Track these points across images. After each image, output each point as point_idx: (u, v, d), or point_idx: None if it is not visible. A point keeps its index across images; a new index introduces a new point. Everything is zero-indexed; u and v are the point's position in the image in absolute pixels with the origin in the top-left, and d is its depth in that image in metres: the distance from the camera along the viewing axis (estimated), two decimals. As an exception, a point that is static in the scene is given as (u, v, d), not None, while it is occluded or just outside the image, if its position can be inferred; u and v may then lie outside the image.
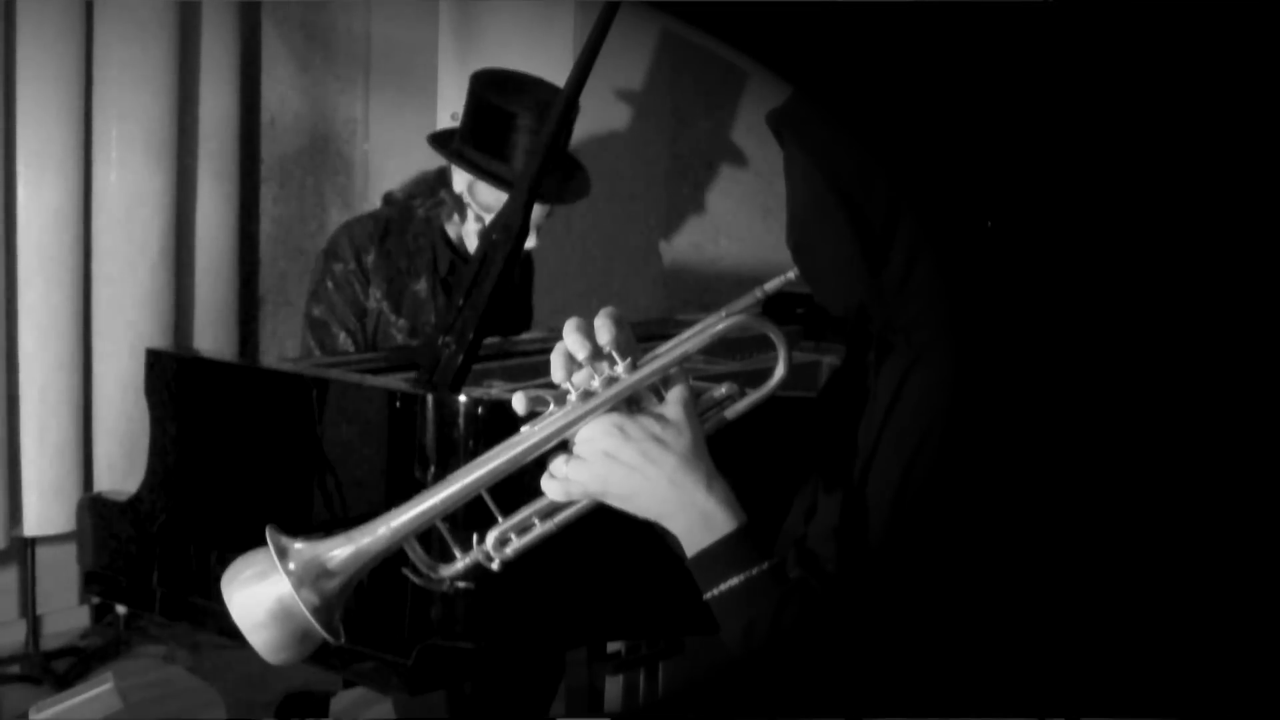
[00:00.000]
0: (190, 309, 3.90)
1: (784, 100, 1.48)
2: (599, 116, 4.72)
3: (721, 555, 1.33)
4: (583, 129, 4.67)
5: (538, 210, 2.84)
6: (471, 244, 2.92)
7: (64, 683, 3.58)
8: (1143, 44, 1.38)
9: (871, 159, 1.40)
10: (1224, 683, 1.40)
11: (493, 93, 2.89)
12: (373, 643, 2.04)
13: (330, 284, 2.90)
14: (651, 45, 4.86)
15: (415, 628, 2.01)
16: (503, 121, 2.84)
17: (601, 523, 1.39)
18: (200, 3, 3.79)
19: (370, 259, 2.89)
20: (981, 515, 1.33)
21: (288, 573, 1.28)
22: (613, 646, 2.56)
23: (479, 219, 2.89)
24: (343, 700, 2.90)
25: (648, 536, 1.43)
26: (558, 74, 4.24)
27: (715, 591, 1.34)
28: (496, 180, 2.82)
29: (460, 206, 2.91)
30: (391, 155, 4.23)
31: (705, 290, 5.08)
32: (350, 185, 4.33)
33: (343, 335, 2.89)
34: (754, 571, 1.33)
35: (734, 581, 1.33)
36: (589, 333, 1.34)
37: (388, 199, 3.03)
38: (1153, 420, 1.39)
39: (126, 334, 3.67)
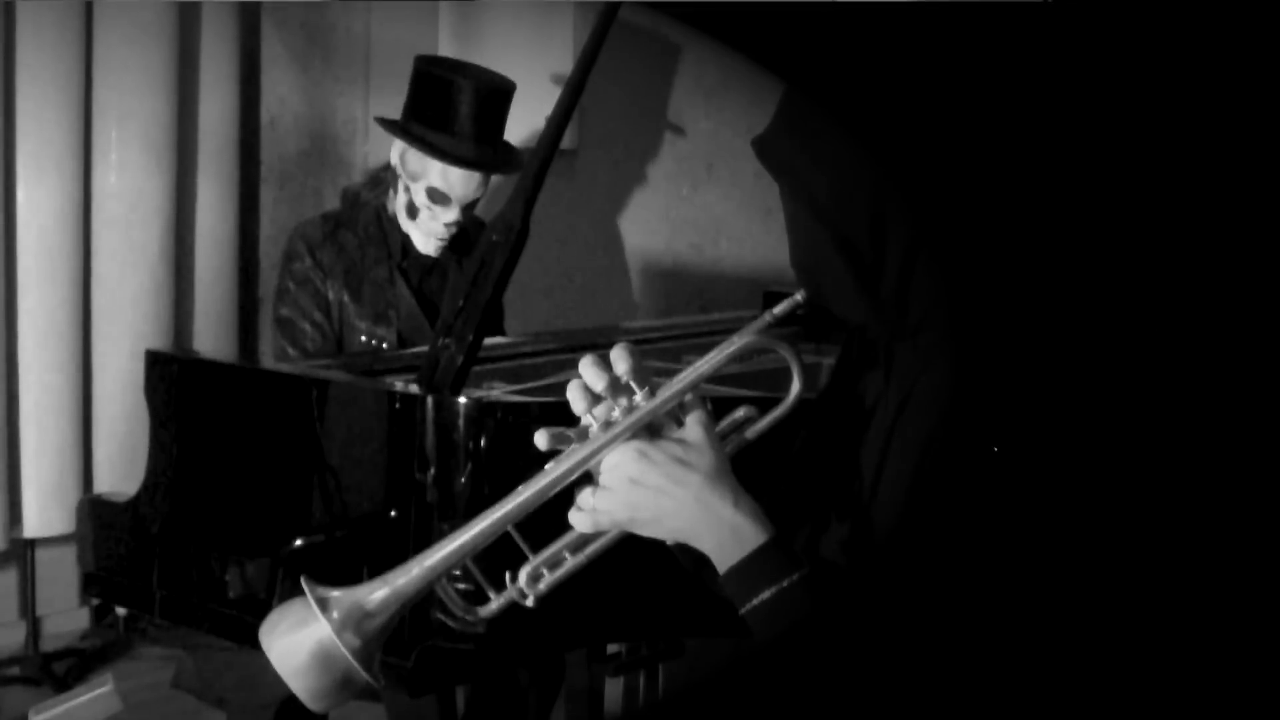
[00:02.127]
0: (190, 310, 3.91)
1: (766, 128, 1.48)
2: (599, 117, 4.72)
3: (754, 568, 1.34)
4: (583, 130, 4.67)
5: (474, 182, 2.93)
6: (401, 220, 2.99)
7: (64, 684, 3.58)
8: (1143, 44, 1.38)
9: (849, 181, 1.39)
10: (1224, 683, 1.40)
11: (433, 66, 3.00)
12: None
13: (291, 283, 2.96)
14: (652, 45, 4.86)
15: (415, 629, 2.01)
16: (441, 91, 2.93)
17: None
18: (200, 4, 3.80)
19: (324, 255, 2.95)
20: (992, 519, 1.33)
21: (328, 619, 1.30)
22: (613, 647, 2.55)
23: (406, 189, 2.95)
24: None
25: (647, 539, 1.42)
26: (558, 74, 4.25)
27: (750, 605, 1.34)
28: (420, 143, 2.90)
29: (394, 179, 2.98)
30: (391, 156, 4.23)
31: (705, 291, 5.08)
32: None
33: (310, 329, 2.93)
34: (785, 583, 1.33)
35: (767, 594, 1.33)
36: (605, 365, 1.35)
37: (344, 194, 3.10)
38: (1153, 419, 1.39)
39: (126, 335, 3.68)
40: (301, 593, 1.33)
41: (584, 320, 4.63)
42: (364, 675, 1.31)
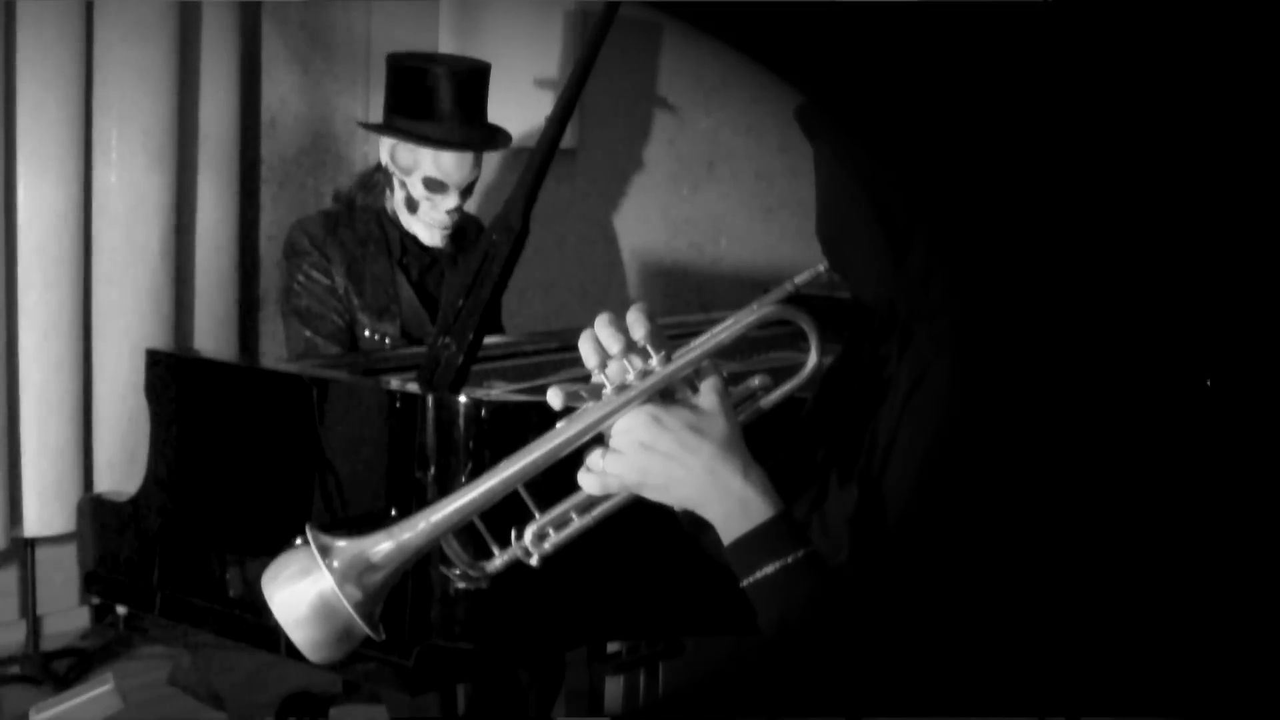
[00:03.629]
0: (190, 309, 3.90)
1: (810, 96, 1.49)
2: (599, 117, 4.72)
3: (759, 542, 1.34)
4: (583, 130, 4.67)
5: (467, 165, 2.93)
6: (404, 218, 2.99)
7: (64, 683, 3.58)
8: (1147, 44, 1.38)
9: (892, 154, 1.40)
10: (1224, 683, 1.40)
11: (405, 59, 3.02)
12: (373, 643, 2.03)
13: (303, 276, 2.96)
14: (651, 45, 4.86)
15: (415, 628, 2.01)
16: (411, 80, 2.94)
17: (602, 524, 1.38)
18: (200, 3, 3.79)
19: (328, 248, 2.95)
20: (998, 510, 1.33)
21: (330, 570, 1.29)
22: (612, 647, 2.55)
23: (402, 185, 2.95)
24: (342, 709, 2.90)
25: (647, 537, 1.43)
26: (558, 74, 4.25)
27: (752, 579, 1.34)
28: (405, 134, 2.91)
29: (389, 179, 2.98)
30: (391, 156, 4.22)
31: (705, 291, 5.08)
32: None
33: (333, 315, 2.92)
34: (790, 559, 1.33)
35: (770, 569, 1.33)
36: (621, 327, 1.35)
37: (336, 196, 3.10)
38: (1156, 419, 1.39)
39: (126, 334, 3.67)
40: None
41: (584, 320, 4.62)
42: (364, 628, 1.30)
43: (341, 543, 1.31)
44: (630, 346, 1.35)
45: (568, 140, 3.92)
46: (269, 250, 4.14)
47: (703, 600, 1.44)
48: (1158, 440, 1.39)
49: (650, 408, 1.34)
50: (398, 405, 2.08)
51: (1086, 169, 1.40)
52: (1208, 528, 1.40)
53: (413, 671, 2.03)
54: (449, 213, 2.94)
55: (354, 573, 1.30)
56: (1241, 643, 1.40)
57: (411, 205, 2.95)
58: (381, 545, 1.32)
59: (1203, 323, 1.40)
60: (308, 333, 2.93)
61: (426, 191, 2.92)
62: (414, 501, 2.06)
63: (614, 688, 2.63)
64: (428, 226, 2.96)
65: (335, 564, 1.29)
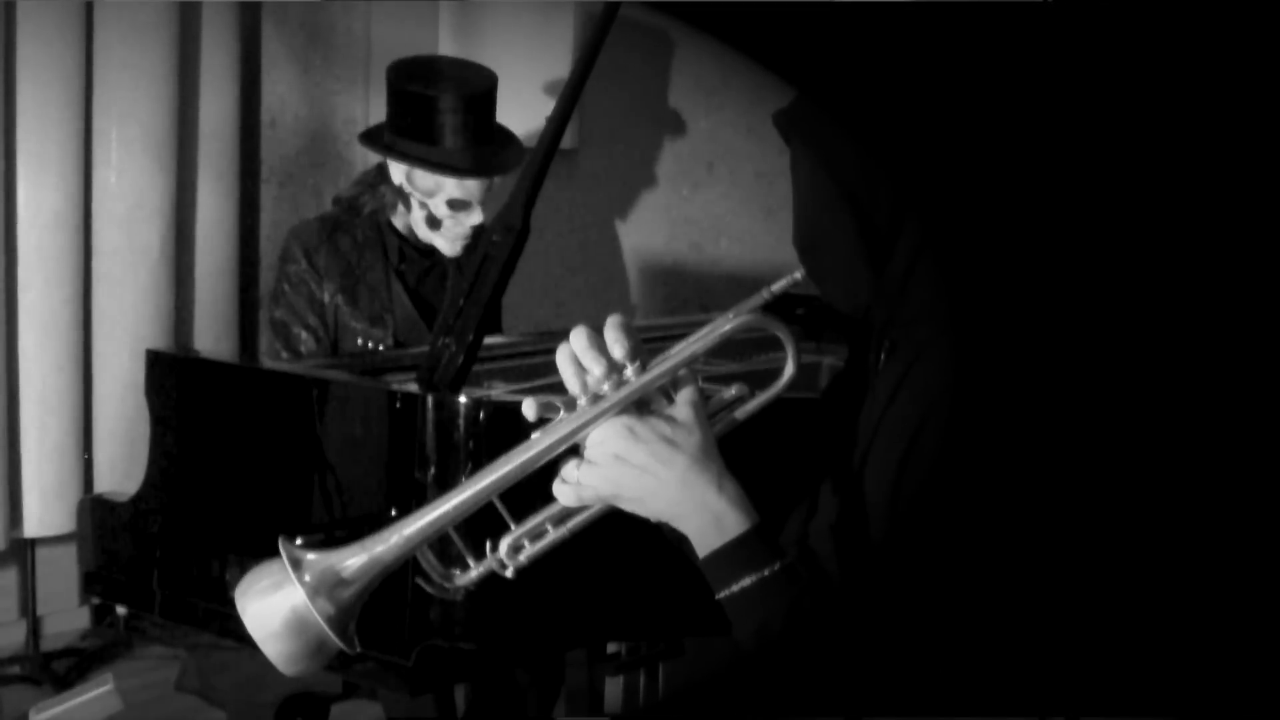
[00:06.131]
0: (190, 310, 3.91)
1: (791, 101, 1.48)
2: (599, 117, 4.72)
3: (734, 556, 1.33)
4: (583, 130, 4.67)
5: (478, 185, 2.93)
6: (421, 232, 3.00)
7: (64, 683, 3.58)
8: (1145, 44, 1.38)
9: (876, 158, 1.40)
10: (1224, 683, 1.40)
11: (410, 81, 2.97)
12: (373, 643, 2.04)
13: (286, 285, 2.97)
14: (652, 45, 4.86)
15: (415, 628, 2.01)
16: (424, 106, 2.92)
17: (602, 524, 1.38)
18: (200, 4, 3.80)
19: (320, 258, 2.96)
20: (979, 511, 1.33)
21: (302, 583, 1.28)
22: (613, 647, 2.55)
23: (422, 205, 2.95)
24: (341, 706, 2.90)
25: (648, 537, 1.42)
26: (558, 74, 4.25)
27: (728, 592, 1.34)
28: (430, 165, 2.90)
29: (403, 197, 2.98)
30: (391, 156, 4.22)
31: (705, 291, 5.08)
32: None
33: (303, 333, 2.94)
34: (766, 572, 1.33)
35: (746, 582, 1.33)
36: (600, 345, 1.34)
37: (336, 200, 3.10)
38: (1152, 419, 1.39)
39: (127, 335, 3.68)
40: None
41: (584, 320, 4.62)
42: (337, 642, 1.29)
43: (313, 555, 1.30)
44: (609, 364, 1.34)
45: (568, 140, 3.92)
46: (269, 250, 4.15)
47: (703, 600, 1.44)
48: (1148, 442, 1.39)
49: (625, 419, 1.33)
50: (398, 405, 2.08)
51: (1079, 174, 1.40)
52: (1204, 530, 1.40)
53: (412, 671, 2.03)
54: (474, 226, 2.95)
55: (325, 586, 1.29)
56: (1241, 643, 1.40)
57: (434, 223, 2.95)
58: (354, 558, 1.30)
59: (1200, 331, 1.39)
60: (277, 343, 2.96)
61: (451, 211, 2.92)
62: (413, 502, 2.06)
63: (614, 688, 2.63)
64: (449, 240, 2.97)
65: (307, 577, 1.29)
